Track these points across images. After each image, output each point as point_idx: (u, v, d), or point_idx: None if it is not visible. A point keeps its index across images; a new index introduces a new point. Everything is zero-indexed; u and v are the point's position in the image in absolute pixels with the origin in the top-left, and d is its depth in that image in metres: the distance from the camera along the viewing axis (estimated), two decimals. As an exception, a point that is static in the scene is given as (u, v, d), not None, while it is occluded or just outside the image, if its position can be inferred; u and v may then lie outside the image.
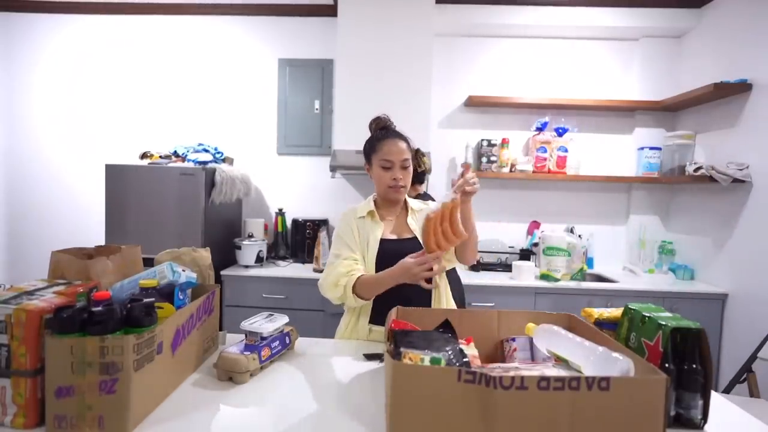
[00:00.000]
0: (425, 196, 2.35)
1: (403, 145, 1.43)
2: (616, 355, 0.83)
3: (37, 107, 3.26)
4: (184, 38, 3.17)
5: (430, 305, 1.43)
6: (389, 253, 1.41)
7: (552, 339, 0.98)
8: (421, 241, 1.43)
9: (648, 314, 0.96)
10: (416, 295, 1.38)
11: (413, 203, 1.57)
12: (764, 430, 0.91)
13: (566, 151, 2.96)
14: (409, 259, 1.27)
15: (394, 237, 1.48)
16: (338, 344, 1.38)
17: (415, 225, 1.50)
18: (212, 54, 3.17)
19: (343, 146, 2.74)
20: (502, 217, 3.14)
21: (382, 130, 1.49)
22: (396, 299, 1.24)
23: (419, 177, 2.30)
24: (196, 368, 1.13)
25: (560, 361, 0.95)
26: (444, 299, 1.48)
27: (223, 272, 2.69)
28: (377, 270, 1.40)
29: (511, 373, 0.79)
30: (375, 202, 1.55)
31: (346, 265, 1.39)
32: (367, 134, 1.53)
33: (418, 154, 1.97)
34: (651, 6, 2.85)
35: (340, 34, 2.75)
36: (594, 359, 0.86)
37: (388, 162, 1.41)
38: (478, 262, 2.70)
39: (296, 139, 3.15)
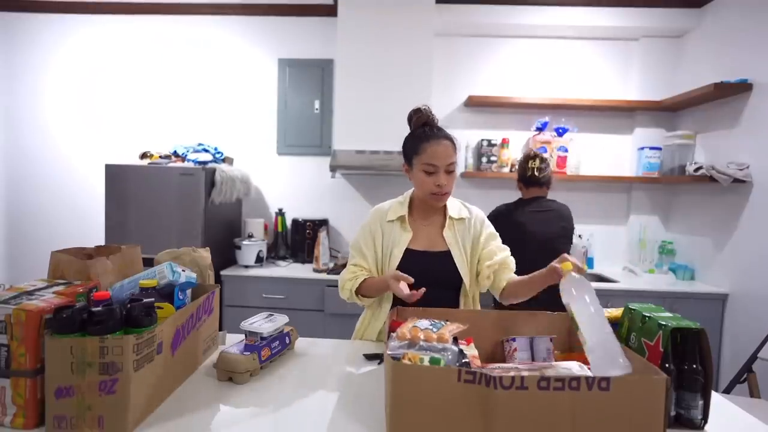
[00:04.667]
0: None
1: (449, 147, 1.29)
2: (622, 360, 0.83)
3: (37, 107, 3.26)
4: (184, 38, 3.17)
5: None
6: (414, 266, 1.31)
7: (578, 295, 0.94)
8: (453, 256, 1.34)
9: (648, 314, 0.96)
10: (442, 300, 1.32)
11: (453, 210, 1.41)
12: (765, 431, 0.91)
13: (566, 151, 2.96)
14: (392, 275, 1.20)
15: (422, 249, 1.36)
16: (338, 344, 1.38)
17: (451, 237, 1.37)
18: (212, 54, 3.17)
19: (343, 146, 2.74)
20: (502, 217, 3.15)
21: (425, 127, 1.33)
22: (420, 302, 1.18)
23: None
24: (196, 368, 1.13)
25: (570, 321, 0.93)
26: (471, 307, 1.41)
27: (223, 272, 2.69)
28: None
29: (511, 373, 0.79)
30: (411, 201, 1.43)
31: (351, 271, 1.40)
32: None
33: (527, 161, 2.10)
34: (651, 6, 2.85)
35: (340, 34, 2.75)
36: (601, 347, 0.86)
37: (432, 167, 1.28)
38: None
39: (296, 139, 3.15)
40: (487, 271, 1.36)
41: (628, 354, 0.89)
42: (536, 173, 2.19)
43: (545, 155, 2.29)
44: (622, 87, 3.07)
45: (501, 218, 2.14)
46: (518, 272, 2.20)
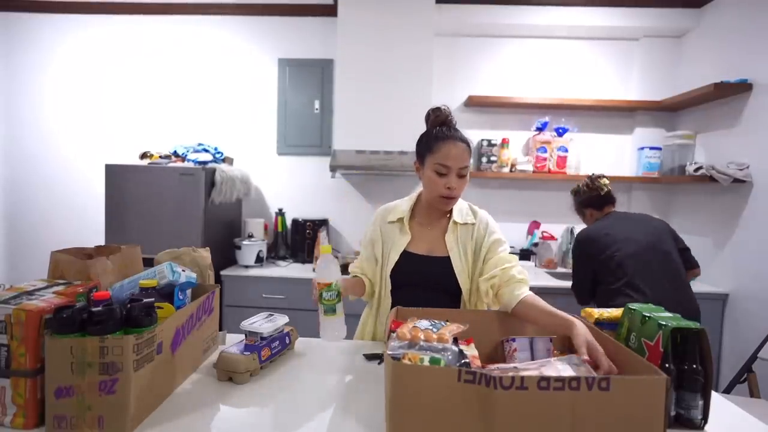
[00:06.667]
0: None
1: (464, 150, 1.22)
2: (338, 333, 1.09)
3: (37, 107, 3.26)
4: (184, 38, 3.17)
5: None
6: (410, 269, 1.29)
7: (324, 266, 1.14)
8: (452, 263, 1.27)
9: (648, 314, 0.96)
10: (439, 306, 1.32)
11: (459, 215, 1.34)
12: (765, 431, 0.91)
13: (566, 151, 2.96)
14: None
15: (422, 252, 1.31)
16: (338, 344, 1.37)
17: (452, 242, 1.30)
18: (212, 54, 3.17)
19: (343, 146, 2.74)
20: (502, 217, 3.13)
21: (442, 127, 1.26)
22: (420, 305, 1.17)
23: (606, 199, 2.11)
24: (196, 368, 1.13)
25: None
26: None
27: (223, 272, 2.69)
28: (393, 284, 1.32)
29: (511, 373, 0.79)
30: (416, 203, 1.38)
31: (355, 266, 1.44)
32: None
33: (596, 182, 1.95)
34: (651, 6, 2.85)
35: (340, 34, 2.75)
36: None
37: (444, 167, 1.21)
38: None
39: (296, 139, 3.15)
40: (484, 286, 1.24)
41: (628, 355, 0.89)
42: (610, 188, 2.09)
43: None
44: (622, 87, 3.07)
45: (593, 236, 2.00)
46: (640, 277, 1.90)
